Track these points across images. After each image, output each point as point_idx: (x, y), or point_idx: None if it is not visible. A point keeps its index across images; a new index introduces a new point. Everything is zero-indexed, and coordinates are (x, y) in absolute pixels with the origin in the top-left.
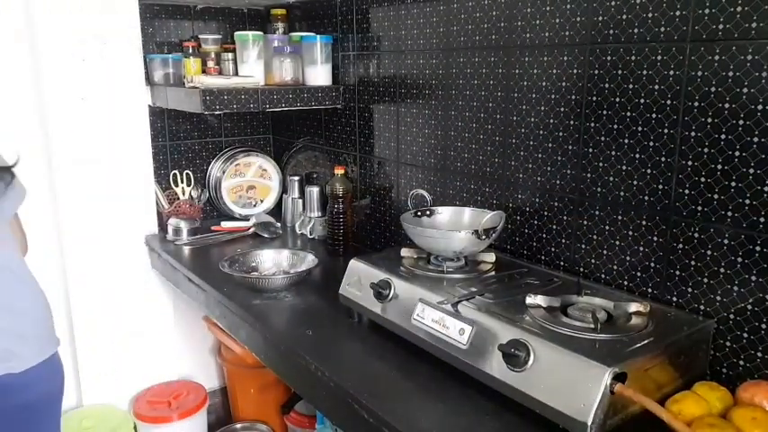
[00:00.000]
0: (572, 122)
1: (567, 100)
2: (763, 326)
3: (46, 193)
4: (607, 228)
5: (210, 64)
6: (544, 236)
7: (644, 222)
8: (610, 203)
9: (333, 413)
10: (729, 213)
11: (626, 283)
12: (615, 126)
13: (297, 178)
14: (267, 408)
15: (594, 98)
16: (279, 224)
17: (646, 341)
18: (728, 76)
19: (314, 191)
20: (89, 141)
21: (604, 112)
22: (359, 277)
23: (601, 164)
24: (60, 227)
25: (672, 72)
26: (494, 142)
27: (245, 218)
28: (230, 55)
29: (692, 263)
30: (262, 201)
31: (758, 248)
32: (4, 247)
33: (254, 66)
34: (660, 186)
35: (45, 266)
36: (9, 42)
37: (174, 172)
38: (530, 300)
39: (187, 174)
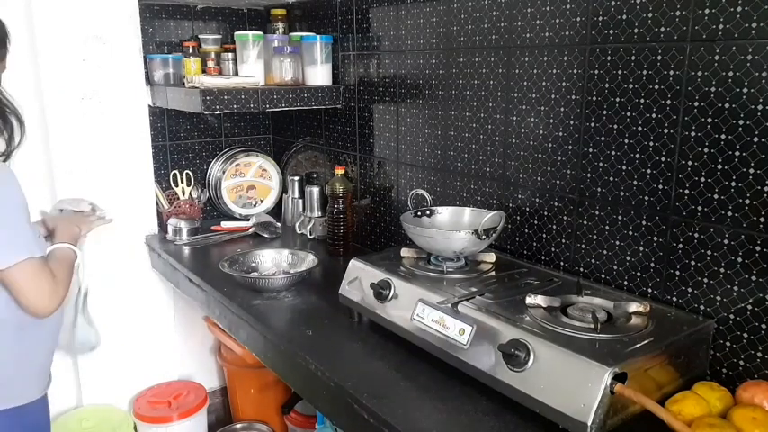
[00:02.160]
0: (572, 122)
1: (567, 100)
2: (763, 326)
3: (46, 194)
4: (607, 228)
5: (210, 64)
6: (544, 236)
7: (644, 222)
8: (610, 203)
9: (333, 413)
10: (729, 213)
11: (626, 283)
12: (615, 126)
13: (297, 178)
14: (267, 408)
15: (594, 98)
16: (279, 224)
17: (646, 341)
18: (728, 76)
19: (314, 191)
20: (89, 141)
21: (604, 112)
22: (359, 277)
23: (601, 164)
24: None
25: (672, 72)
26: (494, 142)
27: (245, 218)
28: (230, 55)
29: (692, 263)
30: (262, 201)
31: (758, 248)
32: None
33: (254, 66)
34: (660, 186)
35: None
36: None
37: (174, 172)
38: (530, 300)
39: (187, 174)
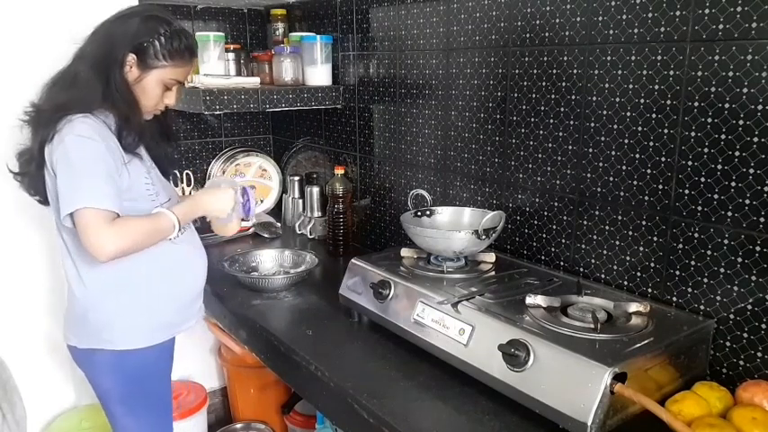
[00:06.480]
0: (572, 122)
1: (566, 100)
2: (763, 326)
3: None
4: (607, 228)
5: None
6: (544, 236)
7: (644, 222)
8: (610, 203)
9: (333, 413)
10: (729, 213)
11: (626, 283)
12: (615, 126)
13: (297, 178)
14: (267, 408)
15: (594, 98)
16: (279, 224)
17: (646, 341)
18: (728, 76)
19: (314, 191)
20: None
21: (604, 112)
22: (359, 277)
23: (601, 164)
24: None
25: (672, 72)
26: (494, 142)
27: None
28: (231, 55)
29: (692, 263)
30: (262, 201)
31: (758, 248)
32: None
33: (215, 64)
34: (660, 186)
35: (45, 266)
36: (8, 42)
37: (173, 172)
38: (530, 300)
39: (187, 174)
